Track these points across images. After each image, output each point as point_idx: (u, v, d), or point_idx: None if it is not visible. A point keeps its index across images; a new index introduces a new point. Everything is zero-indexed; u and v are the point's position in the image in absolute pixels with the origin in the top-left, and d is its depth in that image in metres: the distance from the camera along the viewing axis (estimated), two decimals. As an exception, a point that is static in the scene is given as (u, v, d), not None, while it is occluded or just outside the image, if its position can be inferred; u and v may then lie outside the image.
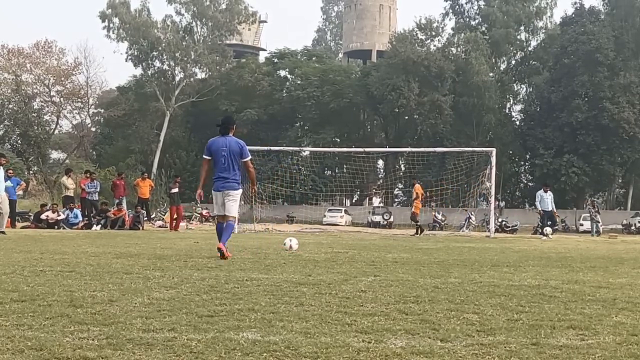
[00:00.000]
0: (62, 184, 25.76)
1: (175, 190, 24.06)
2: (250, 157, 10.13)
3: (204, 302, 5.02)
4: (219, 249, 9.23)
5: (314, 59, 66.20)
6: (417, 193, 24.51)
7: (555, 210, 25.13)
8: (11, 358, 3.22)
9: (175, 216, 23.65)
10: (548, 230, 23.10)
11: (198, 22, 61.69)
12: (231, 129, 10.12)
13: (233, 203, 9.83)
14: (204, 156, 10.14)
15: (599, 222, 32.33)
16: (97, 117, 66.36)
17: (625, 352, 3.57)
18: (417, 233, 23.32)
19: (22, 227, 22.25)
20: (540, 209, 24.52)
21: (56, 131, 59.20)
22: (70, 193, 24.97)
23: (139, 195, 25.21)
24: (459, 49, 59.27)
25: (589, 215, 35.24)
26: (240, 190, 9.98)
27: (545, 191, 24.51)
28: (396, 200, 61.38)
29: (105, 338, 3.69)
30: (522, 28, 62.16)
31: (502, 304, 5.23)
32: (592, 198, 41.91)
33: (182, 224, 30.59)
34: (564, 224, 43.73)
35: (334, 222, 45.00)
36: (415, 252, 11.86)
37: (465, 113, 57.19)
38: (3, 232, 15.96)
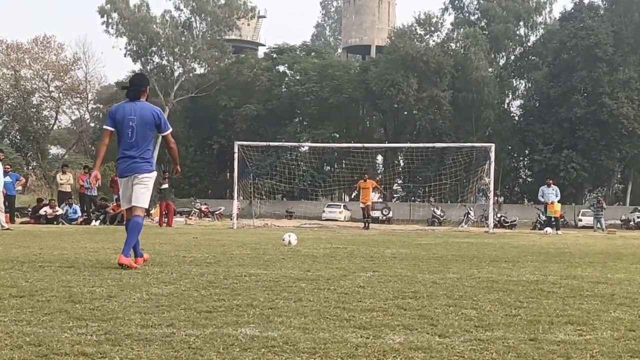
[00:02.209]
0: (56, 180, 25.79)
1: (165, 185, 24.01)
2: (170, 129, 7.76)
3: (203, 298, 5.03)
4: (121, 264, 7.06)
5: (313, 54, 66.14)
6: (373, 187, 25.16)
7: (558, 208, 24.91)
8: (10, 353, 3.23)
9: (165, 212, 23.56)
10: (549, 230, 23.09)
11: (197, 18, 61.66)
12: (143, 93, 7.56)
13: (144, 190, 7.46)
14: (105, 126, 7.62)
15: (603, 217, 32.29)
16: (96, 113, 66.27)
17: (623, 348, 3.58)
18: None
19: (21, 223, 22.23)
20: (544, 201, 24.48)
21: (55, 126, 59.21)
22: (66, 189, 24.87)
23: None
24: (458, 44, 59.26)
25: (592, 210, 35.11)
26: (154, 174, 7.62)
27: (549, 185, 24.43)
28: (395, 195, 61.40)
29: (103, 333, 3.69)
30: (521, 23, 62.18)
31: (501, 300, 5.23)
32: (598, 195, 41.90)
33: (181, 219, 30.67)
34: (562, 220, 43.78)
35: (333, 218, 44.99)
36: (414, 248, 11.86)
37: (464, 108, 57.19)
38: (8, 229, 15.97)
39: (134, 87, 7.52)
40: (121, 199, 7.76)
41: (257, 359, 3.24)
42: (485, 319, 4.37)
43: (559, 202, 24.60)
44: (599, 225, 31.35)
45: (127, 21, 58.46)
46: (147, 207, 7.73)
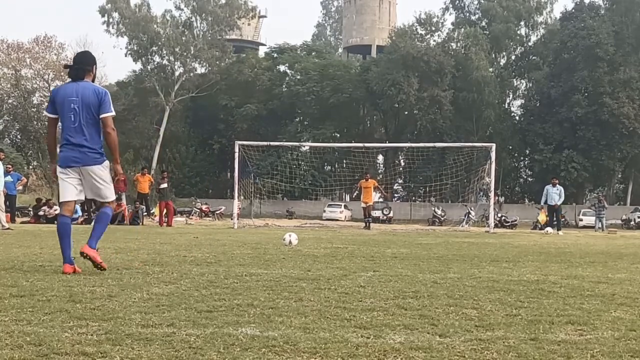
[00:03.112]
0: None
1: (164, 185, 24.07)
2: (112, 112, 6.65)
3: (203, 298, 5.03)
4: (84, 254, 6.48)
5: (313, 54, 66.13)
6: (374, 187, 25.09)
7: (560, 208, 24.84)
8: (10, 353, 3.22)
9: (165, 211, 23.57)
10: (549, 230, 23.08)
11: (197, 17, 61.64)
12: (88, 73, 6.74)
13: (104, 184, 6.70)
14: (47, 112, 6.84)
15: (604, 217, 32.29)
16: (96, 112, 66.27)
17: (623, 348, 3.58)
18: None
19: (22, 223, 22.24)
20: (545, 204, 24.43)
21: (56, 126, 59.17)
22: None
23: (139, 190, 25.22)
24: (458, 44, 59.24)
25: (594, 210, 35.08)
26: (107, 163, 6.76)
27: (554, 185, 24.34)
28: (396, 195, 61.41)
29: (104, 333, 3.69)
30: (522, 23, 62.18)
31: (501, 299, 5.23)
32: (599, 194, 41.90)
33: (181, 219, 30.68)
34: (563, 220, 43.79)
35: (334, 217, 45.01)
36: (415, 248, 11.86)
37: (464, 108, 57.19)
38: (9, 229, 15.98)
39: (78, 65, 6.71)
40: (60, 192, 6.72)
41: (257, 359, 3.24)
42: (486, 318, 4.37)
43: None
44: (599, 225, 31.34)
45: (128, 21, 58.45)
46: (114, 198, 7.04)
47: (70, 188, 6.62)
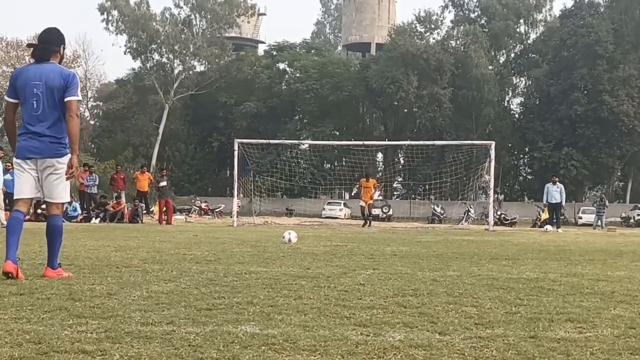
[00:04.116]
0: None
1: (164, 183, 24.10)
2: (78, 97, 6.04)
3: (203, 296, 5.03)
4: (5, 273, 5.56)
5: (313, 51, 66.13)
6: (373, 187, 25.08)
7: (563, 204, 24.82)
8: (10, 351, 3.22)
9: (164, 209, 23.59)
10: (549, 227, 23.08)
11: (197, 15, 61.61)
12: (55, 53, 6.00)
13: (59, 181, 5.87)
14: (7, 98, 6.03)
15: (604, 215, 32.31)
16: (95, 110, 66.33)
17: (623, 345, 3.58)
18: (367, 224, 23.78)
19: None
20: (545, 203, 24.44)
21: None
22: None
23: (138, 188, 25.23)
24: (458, 42, 59.22)
25: (595, 207, 35.07)
26: (69, 156, 5.90)
27: (554, 183, 24.32)
28: (395, 193, 61.41)
29: (103, 331, 3.69)
30: (521, 21, 62.12)
31: (501, 297, 5.23)
32: (602, 193, 41.92)
33: (181, 217, 30.67)
34: (563, 217, 43.81)
35: (333, 215, 44.99)
36: (414, 245, 11.86)
37: (464, 106, 57.16)
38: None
39: (43, 45, 5.94)
40: (16, 186, 5.93)
41: (257, 357, 3.24)
42: (486, 316, 4.37)
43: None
44: (598, 223, 31.34)
45: (127, 18, 58.42)
46: (68, 200, 6.18)
47: (27, 183, 5.85)
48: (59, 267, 6.06)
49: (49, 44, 5.95)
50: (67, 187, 5.94)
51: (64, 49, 6.13)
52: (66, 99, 5.80)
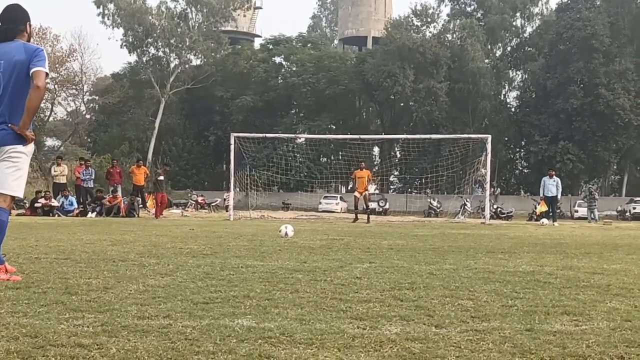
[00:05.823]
0: (51, 172, 25.90)
1: (162, 177, 24.20)
2: (44, 68, 5.22)
3: (199, 289, 5.03)
4: None
5: (309, 45, 66.04)
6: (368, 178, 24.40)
7: (559, 198, 24.80)
8: (6, 345, 3.22)
9: (159, 203, 23.64)
10: (545, 221, 23.09)
11: (193, 9, 61.42)
12: (21, 33, 5.43)
13: (13, 170, 5.23)
14: None
15: (596, 208, 32.40)
16: (91, 104, 66.10)
17: (619, 338, 3.59)
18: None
19: (17, 215, 22.20)
20: (542, 195, 24.45)
21: (51, 118, 58.98)
22: (61, 180, 24.89)
23: (134, 182, 25.19)
24: (454, 36, 59.19)
25: (585, 202, 35.21)
26: (31, 148, 5.35)
27: (550, 176, 24.31)
28: (392, 187, 61.45)
29: (100, 325, 3.69)
30: (517, 14, 62.16)
31: (497, 290, 5.24)
32: (590, 186, 42.05)
33: (177, 211, 30.69)
34: (559, 211, 43.92)
35: (330, 209, 44.97)
36: (411, 239, 11.88)
37: (460, 100, 57.18)
38: None
39: (8, 21, 5.41)
40: None
41: (253, 350, 3.24)
42: (482, 309, 4.38)
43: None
44: (592, 216, 31.43)
45: (123, 12, 58.23)
46: (21, 195, 5.45)
47: None
48: (3, 259, 5.53)
49: (12, 23, 5.42)
50: (21, 180, 5.29)
51: (30, 26, 5.54)
52: (32, 70, 5.15)
